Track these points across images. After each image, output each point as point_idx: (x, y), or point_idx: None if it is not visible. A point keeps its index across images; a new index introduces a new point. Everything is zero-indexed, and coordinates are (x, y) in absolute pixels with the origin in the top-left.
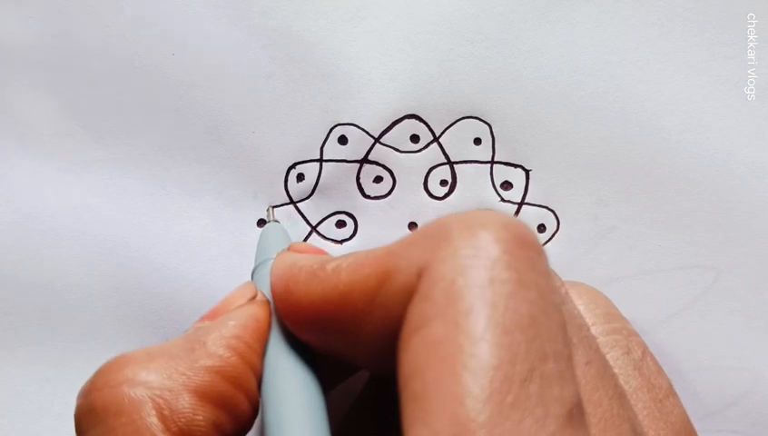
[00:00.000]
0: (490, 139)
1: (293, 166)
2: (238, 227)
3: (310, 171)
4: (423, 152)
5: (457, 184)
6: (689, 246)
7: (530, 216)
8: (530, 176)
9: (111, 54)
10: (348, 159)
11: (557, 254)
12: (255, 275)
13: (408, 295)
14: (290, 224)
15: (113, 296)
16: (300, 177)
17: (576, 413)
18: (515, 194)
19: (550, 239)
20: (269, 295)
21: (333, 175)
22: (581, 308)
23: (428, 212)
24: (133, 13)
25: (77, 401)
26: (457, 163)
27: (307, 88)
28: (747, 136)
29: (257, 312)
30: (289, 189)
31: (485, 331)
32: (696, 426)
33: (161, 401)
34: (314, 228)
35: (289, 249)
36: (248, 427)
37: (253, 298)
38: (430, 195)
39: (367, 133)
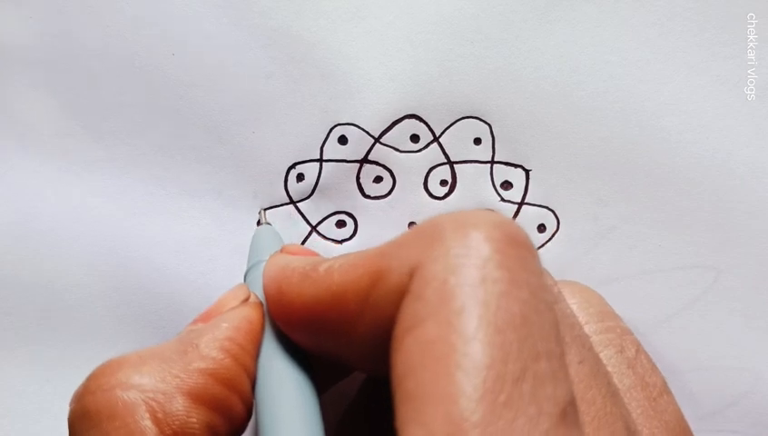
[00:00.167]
0: (490, 139)
1: (293, 166)
2: (238, 227)
3: (310, 171)
4: (423, 152)
5: (457, 184)
6: (689, 246)
7: (530, 216)
8: (530, 176)
9: (111, 54)
10: (348, 159)
11: (557, 254)
12: (248, 277)
13: (400, 295)
14: (290, 224)
15: (113, 296)
16: (300, 177)
17: (569, 412)
18: (515, 194)
19: (550, 239)
20: (262, 297)
21: (333, 175)
22: (574, 307)
23: (428, 212)
24: (133, 13)
25: (70, 405)
26: (457, 162)
27: (307, 88)
28: (747, 136)
29: (250, 314)
30: (289, 189)
31: (477, 330)
32: (696, 426)
33: (154, 403)
34: (314, 228)
35: (281, 251)
36: (242, 429)
37: (246, 300)
38: (430, 195)
39: (367, 133)
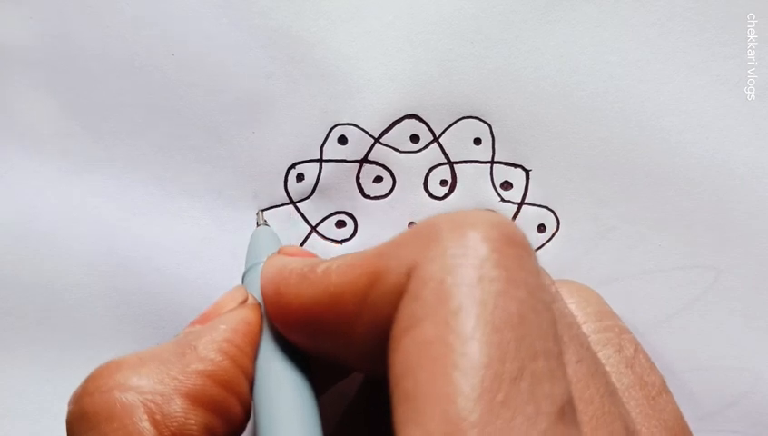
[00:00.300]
0: (490, 139)
1: (293, 166)
2: (238, 227)
3: (310, 171)
4: (423, 152)
5: (457, 184)
6: (689, 246)
7: (530, 216)
8: (530, 176)
9: (111, 55)
10: (347, 159)
11: (557, 254)
12: (246, 279)
13: (398, 295)
14: (290, 225)
15: (113, 296)
16: (300, 177)
17: (567, 411)
18: (515, 194)
19: (550, 239)
20: (259, 299)
21: (333, 175)
22: (572, 306)
23: (427, 212)
24: (133, 13)
25: (69, 407)
26: (457, 163)
27: (307, 88)
28: (747, 136)
29: (248, 316)
30: (288, 189)
31: (474, 329)
32: (696, 426)
33: (152, 405)
34: (314, 228)
35: (279, 252)
36: (240, 431)
37: (244, 301)
38: (430, 195)
39: (367, 133)
